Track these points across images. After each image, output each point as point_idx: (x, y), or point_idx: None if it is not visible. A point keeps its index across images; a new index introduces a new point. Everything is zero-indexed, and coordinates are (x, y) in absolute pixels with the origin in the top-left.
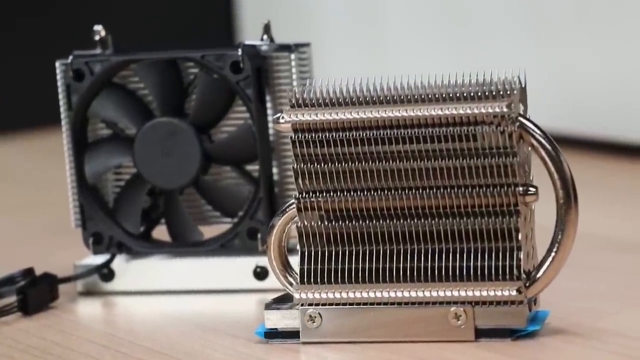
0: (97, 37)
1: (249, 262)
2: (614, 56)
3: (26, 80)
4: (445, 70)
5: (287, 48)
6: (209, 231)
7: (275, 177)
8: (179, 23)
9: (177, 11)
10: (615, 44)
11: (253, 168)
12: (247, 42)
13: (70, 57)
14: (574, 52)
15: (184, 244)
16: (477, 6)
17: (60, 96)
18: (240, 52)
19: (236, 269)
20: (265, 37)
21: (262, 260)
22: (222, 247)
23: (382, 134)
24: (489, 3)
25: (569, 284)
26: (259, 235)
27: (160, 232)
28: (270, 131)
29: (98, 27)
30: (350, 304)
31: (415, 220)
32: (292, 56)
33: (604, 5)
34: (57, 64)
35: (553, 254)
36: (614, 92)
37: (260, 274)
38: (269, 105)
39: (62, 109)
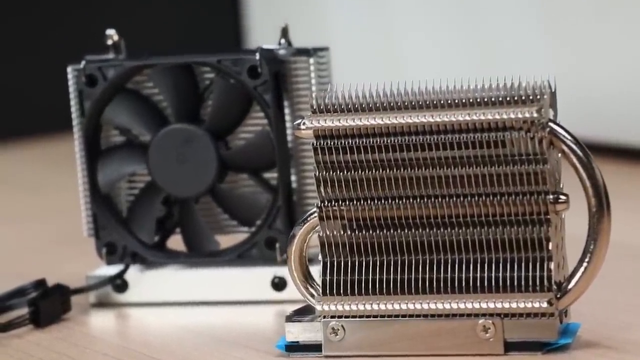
0: (109, 42)
1: (267, 273)
2: (625, 59)
3: (36, 86)
4: (459, 73)
5: (305, 52)
6: (225, 241)
7: (294, 185)
8: (186, 27)
9: (184, 15)
10: (629, 46)
11: (271, 176)
12: (265, 46)
13: (83, 62)
14: (588, 55)
15: (200, 254)
16: (491, 8)
17: (72, 102)
18: (257, 56)
19: (253, 280)
20: (282, 40)
21: (280, 271)
22: (240, 257)
23: (407, 141)
24: (504, 6)
25: (595, 294)
26: (278, 245)
27: (175, 242)
28: (289, 137)
29: (111, 32)
30: (375, 316)
31: (442, 230)
32: (311, 60)
33: (617, 9)
34: (69, 69)
35: (585, 264)
36: (624, 96)
37: (279, 284)
38: (287, 111)
39: (74, 116)
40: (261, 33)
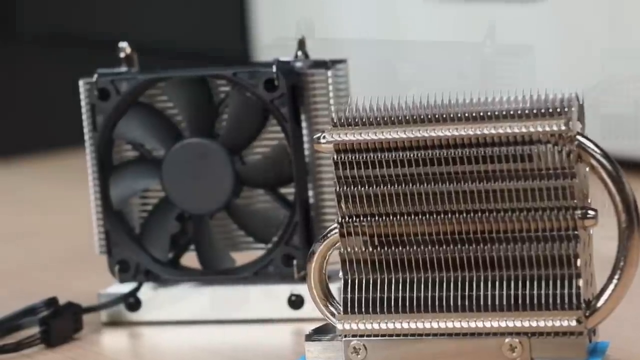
0: (122, 55)
1: (284, 290)
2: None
3: (47, 100)
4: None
5: (323, 64)
6: (241, 258)
7: (312, 201)
8: (193, 37)
9: (189, 23)
10: None
11: (288, 191)
12: (282, 58)
13: (95, 76)
14: (613, 67)
15: (215, 272)
16: (505, 17)
17: (84, 116)
18: (274, 69)
19: (270, 298)
20: (299, 53)
21: (297, 288)
22: (256, 274)
23: (430, 155)
24: (518, 15)
25: (624, 311)
26: (295, 262)
27: (190, 259)
28: (306, 152)
29: (123, 44)
30: (397, 335)
31: (467, 246)
32: (329, 73)
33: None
34: (81, 82)
35: (615, 281)
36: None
37: (295, 302)
38: (304, 124)
39: (86, 130)
40: (269, 45)
